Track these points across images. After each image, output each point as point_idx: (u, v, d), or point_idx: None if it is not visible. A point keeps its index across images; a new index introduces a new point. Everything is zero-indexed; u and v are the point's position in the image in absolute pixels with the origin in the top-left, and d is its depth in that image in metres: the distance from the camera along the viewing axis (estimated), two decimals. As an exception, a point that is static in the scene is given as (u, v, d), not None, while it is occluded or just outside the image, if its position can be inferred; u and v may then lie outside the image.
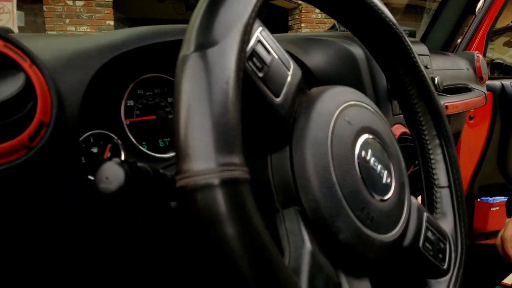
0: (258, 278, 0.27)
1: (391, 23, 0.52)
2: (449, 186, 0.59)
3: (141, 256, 0.51)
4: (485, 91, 1.33)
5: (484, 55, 1.69)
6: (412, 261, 0.51)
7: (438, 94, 1.07)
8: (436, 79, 0.91)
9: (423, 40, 1.46)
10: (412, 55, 0.56)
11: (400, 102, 0.61)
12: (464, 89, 1.24)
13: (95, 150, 0.52)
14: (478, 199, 1.77)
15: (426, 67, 0.91)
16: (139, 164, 0.38)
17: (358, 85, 0.73)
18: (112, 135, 0.53)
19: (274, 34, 0.38)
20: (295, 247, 0.35)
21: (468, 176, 1.76)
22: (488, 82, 1.78)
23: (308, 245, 0.35)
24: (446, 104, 1.05)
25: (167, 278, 0.55)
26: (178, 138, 0.27)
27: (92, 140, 0.52)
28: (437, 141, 0.60)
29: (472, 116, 1.64)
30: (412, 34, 1.44)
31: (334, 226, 0.37)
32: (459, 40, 1.60)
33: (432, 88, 0.59)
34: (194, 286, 0.57)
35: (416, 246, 0.50)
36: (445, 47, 1.44)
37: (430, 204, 0.60)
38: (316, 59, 0.69)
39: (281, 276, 0.29)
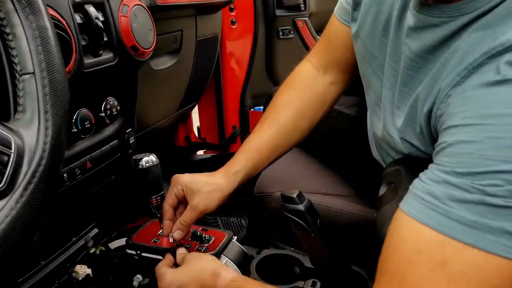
0: None
1: None
2: (34, 72, 0.41)
3: None
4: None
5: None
6: None
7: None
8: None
9: None
10: None
11: None
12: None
13: None
14: (252, 109, 1.74)
15: None
16: None
17: None
18: None
19: None
20: None
21: (239, 87, 1.70)
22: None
23: None
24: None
25: None
26: None
27: None
28: (10, 6, 0.40)
29: (234, 20, 1.54)
30: None
31: None
32: None
33: None
34: None
35: None
36: None
37: (14, 98, 0.42)
38: None
39: None
